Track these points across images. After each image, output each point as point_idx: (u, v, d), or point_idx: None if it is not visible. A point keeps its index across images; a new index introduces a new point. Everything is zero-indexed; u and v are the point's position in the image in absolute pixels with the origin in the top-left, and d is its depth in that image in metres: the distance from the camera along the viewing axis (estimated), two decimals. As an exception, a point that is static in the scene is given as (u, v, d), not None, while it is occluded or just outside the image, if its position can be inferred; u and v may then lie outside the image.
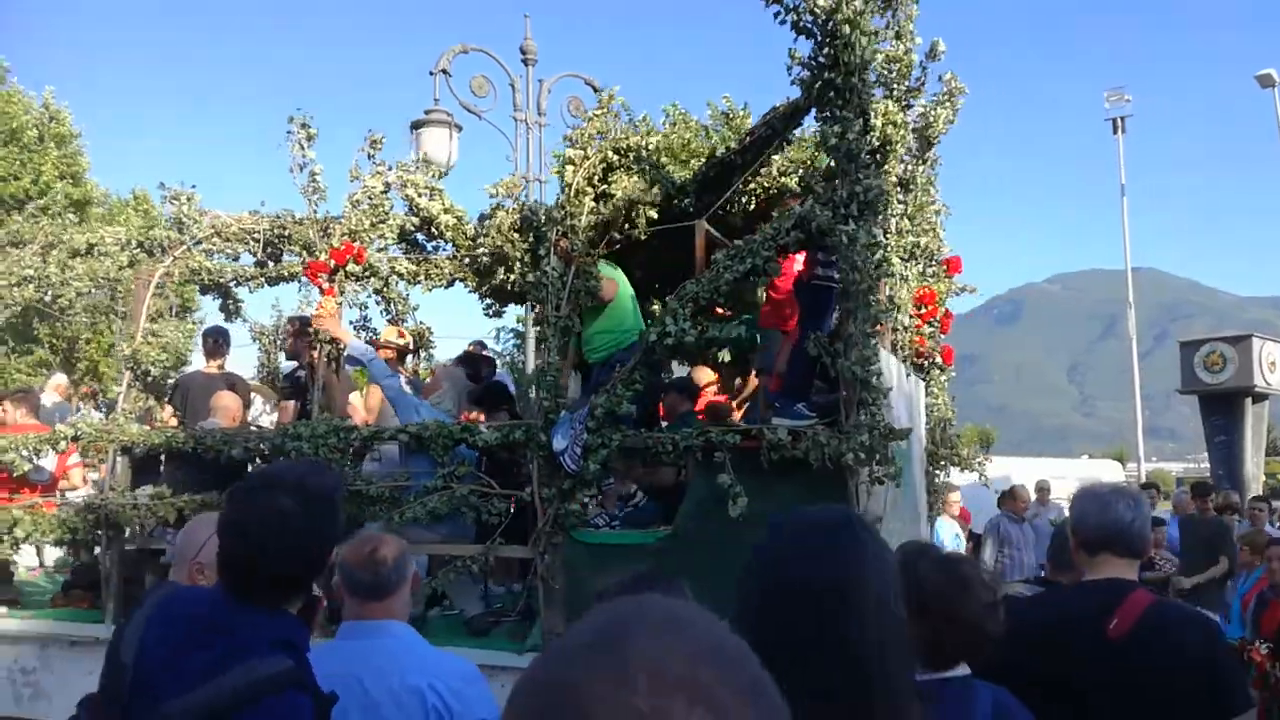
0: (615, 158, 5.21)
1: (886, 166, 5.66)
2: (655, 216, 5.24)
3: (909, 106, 5.82)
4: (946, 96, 6.49)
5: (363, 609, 2.49)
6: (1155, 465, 47.06)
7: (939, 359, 7.31)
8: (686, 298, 4.74)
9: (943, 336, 7.38)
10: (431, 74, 8.84)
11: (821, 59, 4.56)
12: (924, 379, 7.27)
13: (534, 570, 4.97)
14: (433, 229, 6.19)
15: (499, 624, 5.26)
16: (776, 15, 4.60)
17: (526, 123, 9.04)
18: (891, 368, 5.96)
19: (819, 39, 4.56)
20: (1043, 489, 13.84)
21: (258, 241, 6.67)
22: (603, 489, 5.37)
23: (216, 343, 6.85)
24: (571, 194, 5.11)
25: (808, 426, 4.50)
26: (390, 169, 6.09)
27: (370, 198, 5.85)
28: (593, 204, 5.13)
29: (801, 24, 4.58)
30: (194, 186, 6.59)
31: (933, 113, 6.30)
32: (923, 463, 7.14)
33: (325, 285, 5.60)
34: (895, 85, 5.71)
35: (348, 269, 5.63)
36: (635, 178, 5.26)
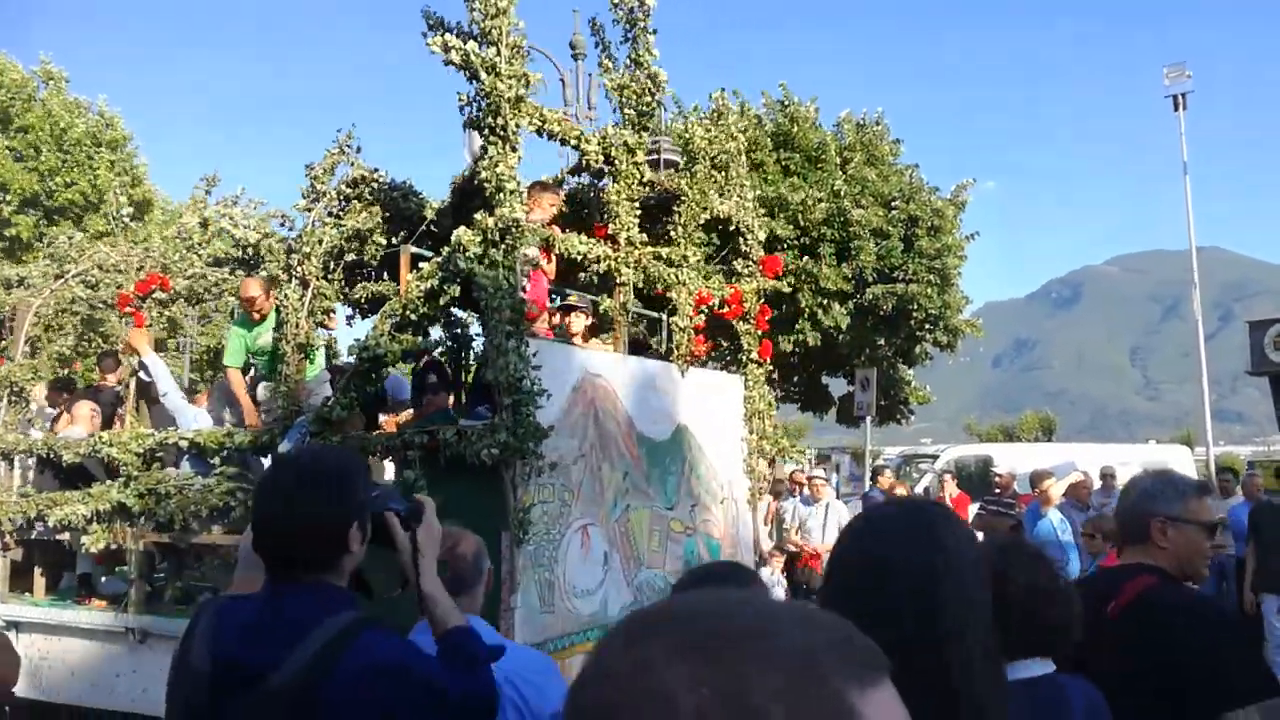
0: (350, 190, 5.88)
1: (618, 184, 6.17)
2: (383, 242, 5.89)
3: (645, 129, 6.27)
4: (715, 115, 6.93)
5: None
6: (1224, 449, 44.64)
7: (754, 354, 7.70)
8: (386, 315, 5.39)
9: (759, 332, 7.76)
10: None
11: (479, 99, 5.13)
12: (741, 374, 7.68)
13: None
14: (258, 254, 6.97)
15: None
16: (448, 64, 5.17)
17: (577, 116, 9.18)
18: (649, 369, 6.48)
19: (478, 82, 5.13)
20: (1108, 475, 13.66)
21: (137, 270, 7.60)
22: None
23: (103, 362, 7.83)
24: (309, 226, 5.81)
25: (471, 427, 5.10)
26: (213, 204, 6.90)
27: (181, 232, 6.67)
28: (333, 233, 5.82)
29: (469, 69, 5.16)
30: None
31: (690, 130, 6.75)
32: (733, 452, 7.54)
33: (134, 311, 6.45)
34: (625, 110, 6.19)
35: (155, 296, 6.47)
36: (375, 208, 5.92)
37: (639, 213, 6.38)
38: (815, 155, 17.66)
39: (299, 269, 5.84)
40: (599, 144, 6.03)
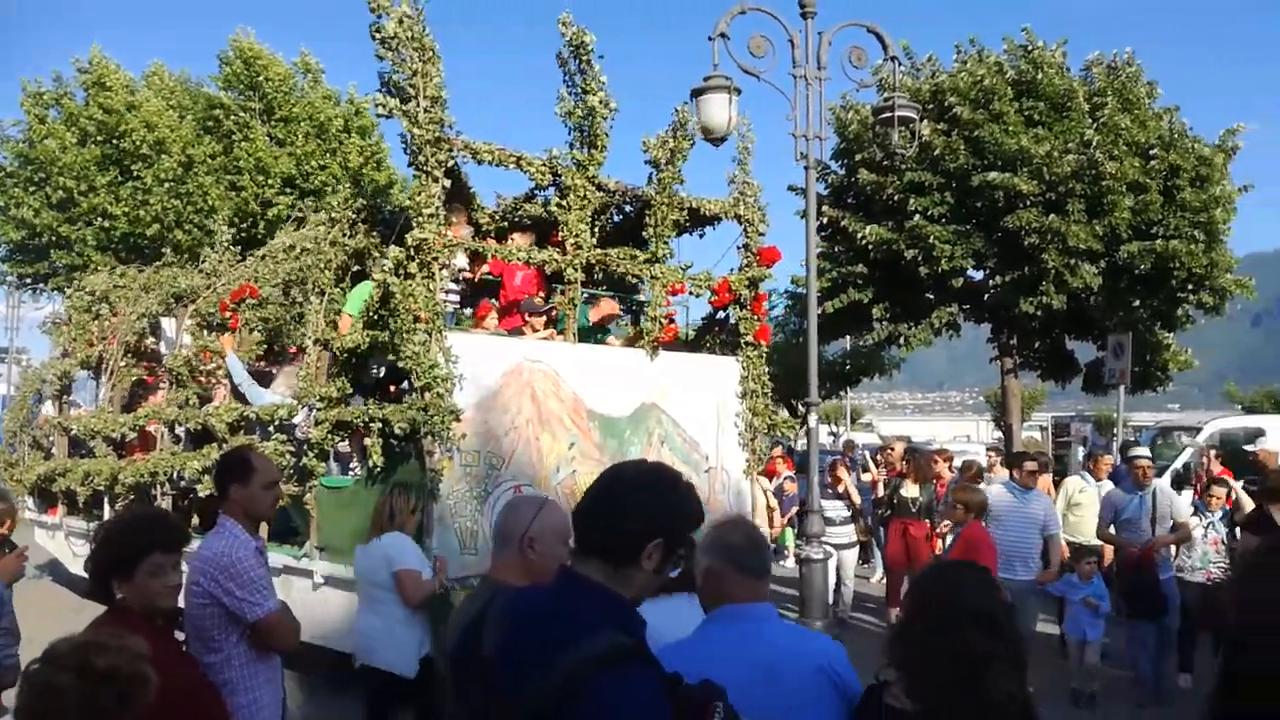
0: (355, 215, 7.52)
1: (566, 198, 7.36)
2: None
3: (595, 146, 7.37)
4: (680, 125, 7.87)
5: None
6: None
7: (749, 338, 8.55)
8: (360, 316, 7.00)
9: (757, 317, 8.59)
10: (710, 39, 8.92)
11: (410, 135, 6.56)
12: (737, 356, 8.56)
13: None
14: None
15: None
16: (378, 117, 6.61)
17: (806, 79, 9.09)
18: (603, 355, 7.63)
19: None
20: None
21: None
22: (337, 450, 7.66)
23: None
24: (322, 244, 7.50)
25: (395, 407, 6.58)
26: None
27: (270, 252, 8.66)
28: (339, 252, 7.48)
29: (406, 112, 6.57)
30: None
31: (656, 146, 7.78)
32: (726, 427, 8.42)
33: (232, 315, 8.52)
34: (575, 136, 7.36)
35: (246, 302, 8.50)
36: (374, 230, 7.53)
37: (599, 218, 7.49)
38: (1061, 103, 16.78)
39: (312, 284, 7.55)
40: (544, 165, 7.23)
